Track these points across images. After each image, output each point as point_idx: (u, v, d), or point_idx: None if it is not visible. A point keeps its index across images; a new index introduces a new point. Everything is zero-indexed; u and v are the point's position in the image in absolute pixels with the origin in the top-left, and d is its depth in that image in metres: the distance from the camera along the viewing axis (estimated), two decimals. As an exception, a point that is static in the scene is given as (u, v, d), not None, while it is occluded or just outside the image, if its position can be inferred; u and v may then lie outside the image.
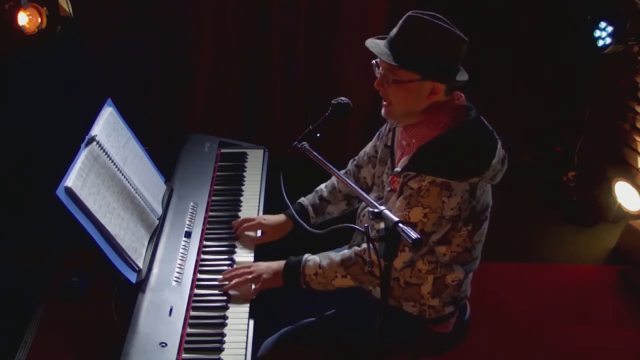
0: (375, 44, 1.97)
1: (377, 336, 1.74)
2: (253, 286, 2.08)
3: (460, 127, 1.96)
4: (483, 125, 2.02)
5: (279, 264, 2.13)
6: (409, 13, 1.95)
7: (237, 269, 2.12)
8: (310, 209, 2.37)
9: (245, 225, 2.31)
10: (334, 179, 2.41)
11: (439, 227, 1.96)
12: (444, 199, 1.91)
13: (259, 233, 2.32)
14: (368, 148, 2.36)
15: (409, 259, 2.00)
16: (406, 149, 2.06)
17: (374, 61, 2.02)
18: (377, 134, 2.32)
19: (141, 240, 2.12)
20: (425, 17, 1.91)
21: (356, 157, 2.42)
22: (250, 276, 2.09)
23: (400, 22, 1.96)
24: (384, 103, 2.02)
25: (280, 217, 2.36)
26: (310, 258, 2.11)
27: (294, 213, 2.20)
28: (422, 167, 1.93)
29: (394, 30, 1.96)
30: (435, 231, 1.97)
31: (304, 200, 2.40)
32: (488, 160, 1.93)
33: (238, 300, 2.04)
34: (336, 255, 2.09)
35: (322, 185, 2.43)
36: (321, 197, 2.39)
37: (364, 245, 2.04)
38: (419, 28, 1.91)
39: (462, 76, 1.97)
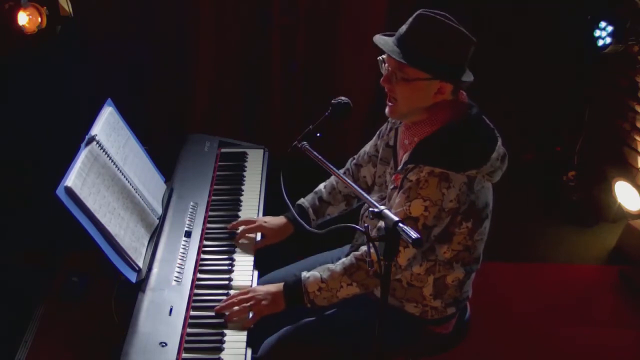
0: (384, 41, 1.96)
1: (378, 336, 1.74)
2: (251, 314, 1.99)
3: (460, 122, 1.96)
4: (484, 122, 2.02)
5: (277, 287, 2.06)
6: (419, 11, 1.93)
7: (234, 296, 2.03)
8: (310, 211, 2.35)
9: (246, 228, 2.29)
10: (332, 179, 2.40)
11: (440, 220, 1.95)
12: (443, 191, 1.90)
13: (259, 236, 2.30)
14: (368, 147, 2.35)
15: (413, 255, 1.98)
16: (408, 147, 2.05)
17: (380, 57, 2.00)
18: (378, 132, 2.31)
19: (141, 240, 2.11)
20: (436, 16, 1.90)
21: (356, 156, 2.40)
22: (248, 304, 2.01)
23: (410, 20, 1.95)
24: (389, 103, 2.01)
25: (280, 220, 2.34)
26: (309, 274, 2.05)
27: (297, 216, 2.15)
28: (420, 159, 1.94)
29: (403, 28, 1.95)
30: (436, 225, 1.95)
31: (304, 202, 2.38)
32: (487, 154, 1.94)
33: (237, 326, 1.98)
34: (335, 265, 2.05)
35: (321, 186, 2.41)
36: (320, 199, 2.37)
37: (362, 249, 2.03)
38: (430, 27, 1.90)
39: (468, 77, 1.97)
